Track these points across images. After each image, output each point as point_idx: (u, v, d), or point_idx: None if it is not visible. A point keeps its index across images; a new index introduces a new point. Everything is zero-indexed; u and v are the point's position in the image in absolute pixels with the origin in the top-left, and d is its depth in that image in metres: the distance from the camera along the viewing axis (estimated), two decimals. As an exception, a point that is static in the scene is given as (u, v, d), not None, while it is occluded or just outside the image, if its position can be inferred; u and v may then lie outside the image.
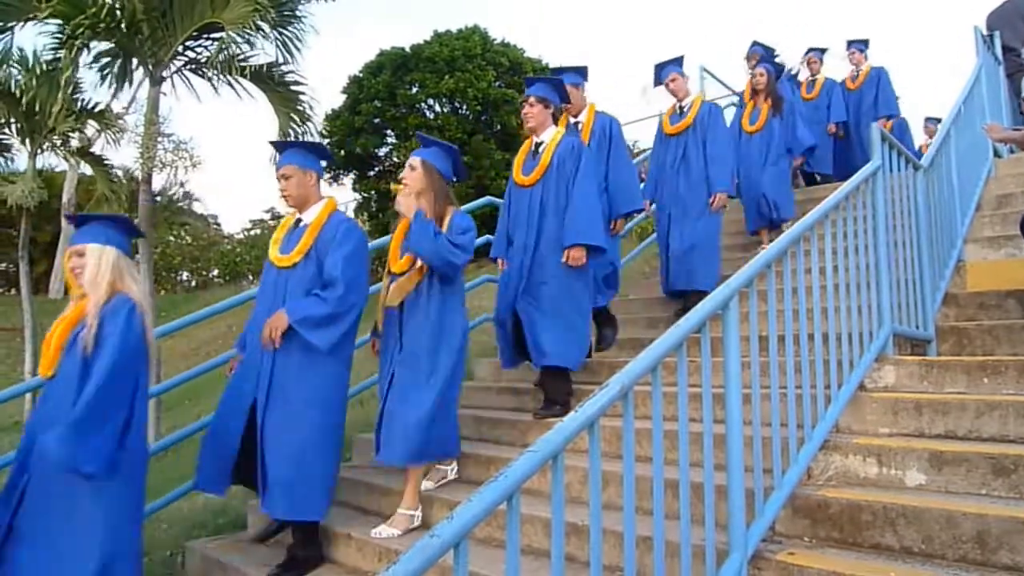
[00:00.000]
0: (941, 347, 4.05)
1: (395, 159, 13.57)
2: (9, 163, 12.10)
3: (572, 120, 5.14)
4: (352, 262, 3.74)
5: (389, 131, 13.70)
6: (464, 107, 13.22)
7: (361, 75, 13.53)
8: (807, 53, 8.86)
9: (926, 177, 4.29)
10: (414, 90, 13.12)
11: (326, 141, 13.78)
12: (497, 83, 13.12)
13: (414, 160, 4.05)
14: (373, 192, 13.21)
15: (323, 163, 4.14)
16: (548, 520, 3.15)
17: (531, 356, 4.40)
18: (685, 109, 6.00)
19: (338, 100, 14.28)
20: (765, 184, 6.70)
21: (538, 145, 4.62)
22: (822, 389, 3.11)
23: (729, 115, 7.72)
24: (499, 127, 13.36)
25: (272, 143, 3.93)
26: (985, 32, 7.08)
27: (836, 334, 3.25)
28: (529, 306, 4.35)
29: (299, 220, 3.97)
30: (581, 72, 5.46)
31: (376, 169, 13.54)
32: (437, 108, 13.31)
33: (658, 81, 6.10)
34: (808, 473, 3.04)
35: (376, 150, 13.59)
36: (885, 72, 8.70)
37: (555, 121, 4.70)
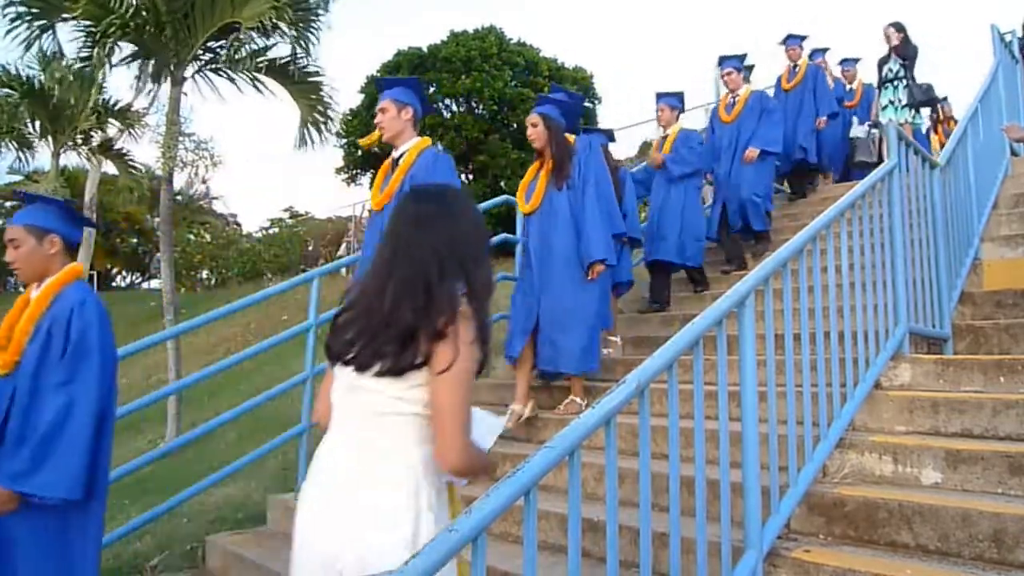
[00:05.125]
0: (957, 346, 4.04)
1: (412, 158, 13.59)
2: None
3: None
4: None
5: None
6: (480, 107, 13.25)
7: (379, 75, 13.60)
8: (720, 66, 7.14)
9: (943, 175, 4.28)
10: (431, 90, 13.15)
11: (343, 140, 13.85)
12: (513, 83, 13.15)
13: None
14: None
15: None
16: (564, 516, 3.16)
17: None
18: (394, 157, 4.18)
19: (356, 100, 14.36)
20: (545, 311, 4.51)
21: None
22: (838, 387, 3.11)
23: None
24: (515, 126, 13.34)
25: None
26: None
27: (852, 332, 3.26)
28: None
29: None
30: None
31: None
32: (454, 107, 13.35)
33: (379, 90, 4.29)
34: (824, 471, 3.05)
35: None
36: (822, 70, 8.23)
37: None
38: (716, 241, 6.80)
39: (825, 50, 9.08)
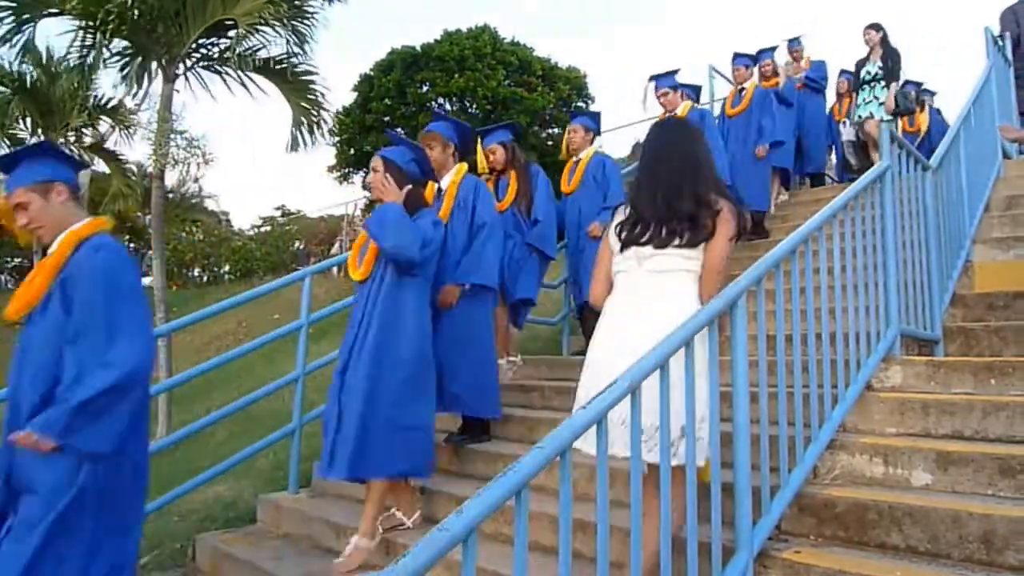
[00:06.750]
0: (948, 348, 4.04)
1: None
2: None
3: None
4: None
5: (399, 130, 13.74)
6: (474, 106, 13.23)
7: (372, 73, 13.55)
8: (654, 84, 6.48)
9: (935, 177, 4.29)
10: (424, 89, 13.14)
11: (336, 139, 13.83)
12: (506, 82, 13.12)
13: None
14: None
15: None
16: (555, 516, 3.16)
17: None
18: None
19: (349, 98, 14.32)
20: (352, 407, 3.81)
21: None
22: (829, 389, 3.11)
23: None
24: (509, 126, 13.31)
25: None
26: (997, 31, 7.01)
27: (843, 334, 3.26)
28: None
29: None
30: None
31: (386, 167, 13.58)
32: (447, 107, 13.31)
33: None
34: (814, 472, 3.05)
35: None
36: (770, 95, 7.53)
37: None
38: None
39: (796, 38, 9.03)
